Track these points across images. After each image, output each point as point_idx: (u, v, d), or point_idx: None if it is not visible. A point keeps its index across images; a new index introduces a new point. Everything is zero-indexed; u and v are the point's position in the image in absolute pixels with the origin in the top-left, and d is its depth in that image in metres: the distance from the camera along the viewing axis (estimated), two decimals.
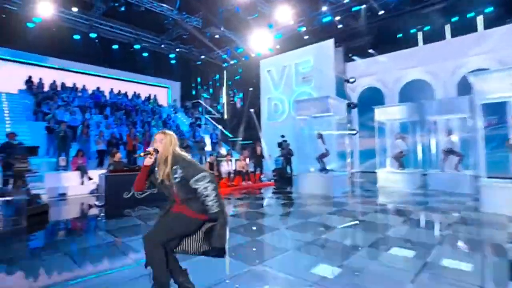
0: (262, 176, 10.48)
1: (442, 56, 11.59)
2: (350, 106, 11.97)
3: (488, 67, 10.46)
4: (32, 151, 5.81)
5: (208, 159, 9.23)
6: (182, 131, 13.99)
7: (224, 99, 19.94)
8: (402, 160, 9.25)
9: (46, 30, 13.41)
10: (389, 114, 9.50)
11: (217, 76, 20.03)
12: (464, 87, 10.59)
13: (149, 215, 5.44)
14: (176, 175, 1.88)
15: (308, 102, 9.02)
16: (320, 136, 8.41)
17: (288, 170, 11.36)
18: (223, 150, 12.93)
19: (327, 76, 12.75)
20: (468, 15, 11.45)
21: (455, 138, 8.22)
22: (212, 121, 17.93)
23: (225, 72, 19.52)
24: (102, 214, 5.84)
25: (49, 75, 13.38)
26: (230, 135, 17.41)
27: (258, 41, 14.66)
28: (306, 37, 14.23)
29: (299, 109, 9.06)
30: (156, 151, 1.90)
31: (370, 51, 13.06)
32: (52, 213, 5.60)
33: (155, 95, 17.10)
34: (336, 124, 9.98)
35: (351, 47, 13.50)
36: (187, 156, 2.02)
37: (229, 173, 9.22)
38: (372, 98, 13.40)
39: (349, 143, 11.80)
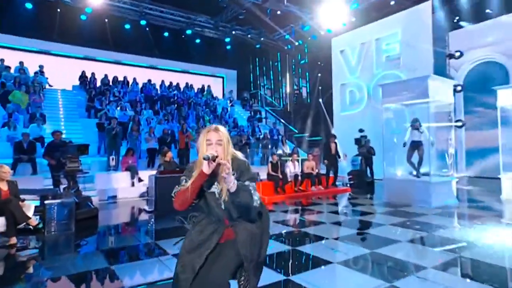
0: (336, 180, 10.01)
1: None
2: (454, 89, 10.55)
3: None
4: (82, 149, 6.21)
5: (270, 159, 9.02)
6: (241, 127, 14.06)
7: (287, 88, 19.65)
8: None
9: (98, 21, 14.85)
10: None
11: (279, 61, 19.79)
12: None
13: None
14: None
15: (399, 85, 8.18)
16: (418, 123, 7.46)
17: (368, 173, 10.71)
18: (287, 148, 12.67)
19: (421, 52, 11.41)
20: None
21: None
22: (274, 114, 17.83)
23: (288, 56, 19.16)
24: (152, 220, 6.02)
25: (101, 69, 14.67)
26: (295, 130, 17.06)
27: (329, 14, 13.87)
28: (392, 2, 12.94)
29: (386, 95, 8.34)
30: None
31: (488, 11, 11.15)
32: (101, 217, 5.93)
33: (209, 86, 17.61)
34: (436, 113, 8.96)
35: (456, 9, 11.76)
36: (240, 154, 1.86)
37: (295, 176, 8.85)
38: (486, 77, 11.70)
39: (454, 138, 10.37)
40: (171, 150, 8.81)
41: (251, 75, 20.76)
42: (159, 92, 15.19)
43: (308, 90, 18.74)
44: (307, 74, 18.63)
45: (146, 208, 6.88)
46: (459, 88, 10.33)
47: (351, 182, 10.38)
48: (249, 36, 17.71)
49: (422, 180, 7.37)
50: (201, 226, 1.79)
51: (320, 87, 17.21)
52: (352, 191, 9.44)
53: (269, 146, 12.63)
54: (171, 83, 16.27)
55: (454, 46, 11.86)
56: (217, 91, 18.62)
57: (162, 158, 7.69)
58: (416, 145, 7.72)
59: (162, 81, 15.89)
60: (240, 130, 13.44)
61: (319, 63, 17.13)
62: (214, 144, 1.70)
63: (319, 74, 17.33)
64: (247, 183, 1.70)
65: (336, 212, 6.64)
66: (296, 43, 17.31)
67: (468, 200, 7.79)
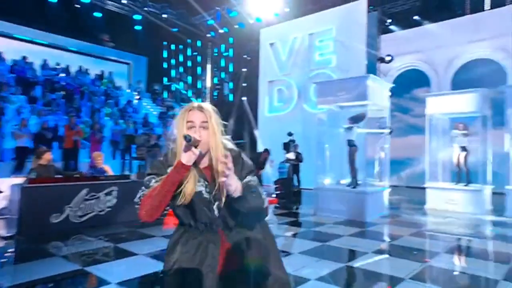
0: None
1: None
2: None
3: None
4: None
5: None
6: (151, 124, 13.27)
7: (207, 82, 18.98)
8: (465, 168, 8.50)
9: None
10: (451, 105, 8.74)
11: (199, 51, 19.01)
12: None
13: (90, 254, 4.40)
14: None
15: (336, 85, 8.19)
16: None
17: (295, 182, 10.80)
18: None
19: (354, 53, 11.94)
20: None
21: None
22: None
23: (210, 45, 18.49)
24: (10, 251, 4.67)
25: None
26: None
27: (261, 1, 13.61)
28: None
29: (321, 95, 8.30)
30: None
31: (416, 18, 12.18)
32: None
33: (110, 73, 16.29)
34: (373, 117, 9.34)
35: (388, 12, 12.61)
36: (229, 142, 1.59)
37: None
38: (412, 84, 12.86)
39: (382, 146, 11.09)
40: (52, 150, 7.55)
41: (165, 64, 19.51)
42: (39, 74, 13.09)
43: (231, 87, 18.38)
44: (230, 67, 18.23)
45: (3, 232, 5.42)
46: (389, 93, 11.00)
47: (278, 192, 10.22)
48: (164, 16, 16.47)
49: (358, 190, 7.42)
50: (186, 242, 1.51)
51: (245, 84, 17.02)
52: (278, 202, 9.31)
53: None
54: (58, 64, 14.44)
55: (385, 50, 12.71)
56: (120, 80, 17.16)
57: (36, 160, 6.33)
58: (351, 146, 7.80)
59: (45, 61, 13.76)
60: (149, 128, 12.49)
61: (245, 56, 16.94)
62: (197, 128, 1.47)
63: (245, 69, 17.13)
64: (248, 178, 1.51)
65: None
66: (221, 31, 16.71)
67: (397, 211, 8.14)
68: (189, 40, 18.38)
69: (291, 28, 13.74)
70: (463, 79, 11.76)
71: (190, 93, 19.33)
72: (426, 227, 6.55)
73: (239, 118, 16.69)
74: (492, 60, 11.58)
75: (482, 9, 12.32)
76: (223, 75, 18.94)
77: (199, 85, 19.40)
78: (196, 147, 1.38)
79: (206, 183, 1.48)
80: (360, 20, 11.85)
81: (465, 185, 8.45)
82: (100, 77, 15.73)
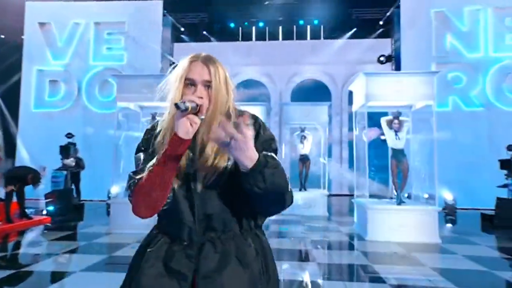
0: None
1: (278, 59, 12.75)
2: None
3: (320, 80, 12.52)
4: None
5: None
6: None
7: None
8: None
9: None
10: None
11: None
12: (296, 97, 12.20)
13: None
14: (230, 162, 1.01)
15: (141, 81, 6.92)
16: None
17: (75, 193, 9.20)
18: None
19: (149, 53, 11.03)
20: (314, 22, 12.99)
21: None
22: None
23: None
24: None
25: None
26: None
27: None
28: None
29: (123, 90, 6.98)
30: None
31: (205, 33, 12.37)
32: None
33: None
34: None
35: (181, 22, 12.25)
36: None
37: None
38: None
39: None
40: None
41: None
42: None
43: None
44: None
45: None
46: None
47: (52, 207, 8.12)
48: None
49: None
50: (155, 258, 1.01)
51: None
52: (52, 221, 7.36)
53: None
54: None
55: (177, 59, 12.24)
56: None
57: None
58: None
59: None
60: None
61: None
62: (199, 86, 1.01)
63: None
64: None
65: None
66: None
67: None
68: None
69: (72, 10, 11.36)
70: (241, 95, 12.85)
71: None
72: None
73: None
74: (261, 82, 13.20)
75: (251, 39, 13.89)
76: None
77: None
78: (197, 114, 0.96)
79: (191, 154, 1.01)
80: (155, 20, 11.09)
81: None
82: None
